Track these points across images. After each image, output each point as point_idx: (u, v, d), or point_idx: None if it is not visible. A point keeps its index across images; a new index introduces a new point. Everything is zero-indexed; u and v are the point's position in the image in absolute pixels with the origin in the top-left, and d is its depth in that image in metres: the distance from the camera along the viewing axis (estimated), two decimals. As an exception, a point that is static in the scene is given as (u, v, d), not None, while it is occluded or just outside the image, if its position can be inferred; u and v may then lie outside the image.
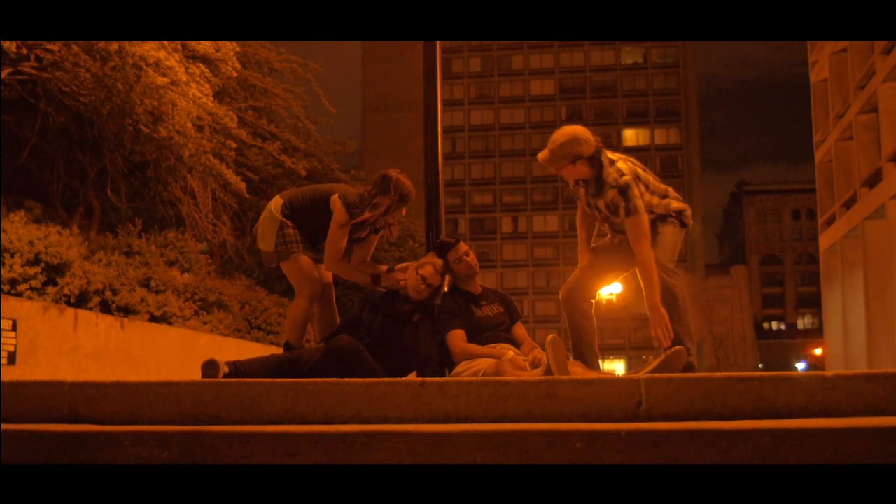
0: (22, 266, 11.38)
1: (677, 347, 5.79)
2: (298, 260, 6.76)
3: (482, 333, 6.58)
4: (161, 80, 14.52)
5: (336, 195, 6.72)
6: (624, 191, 6.08)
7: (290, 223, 6.77)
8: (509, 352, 6.39)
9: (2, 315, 10.33)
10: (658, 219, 6.30)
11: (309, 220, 6.82)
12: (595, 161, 6.17)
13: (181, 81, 14.82)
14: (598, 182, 6.21)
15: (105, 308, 12.54)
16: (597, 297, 6.85)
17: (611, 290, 52.11)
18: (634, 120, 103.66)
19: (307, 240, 6.85)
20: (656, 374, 4.86)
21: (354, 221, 6.69)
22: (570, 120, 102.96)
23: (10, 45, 13.25)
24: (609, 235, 6.66)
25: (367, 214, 6.67)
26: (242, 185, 17.75)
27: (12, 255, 11.40)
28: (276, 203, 6.89)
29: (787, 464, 3.24)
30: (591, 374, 5.60)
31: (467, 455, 3.40)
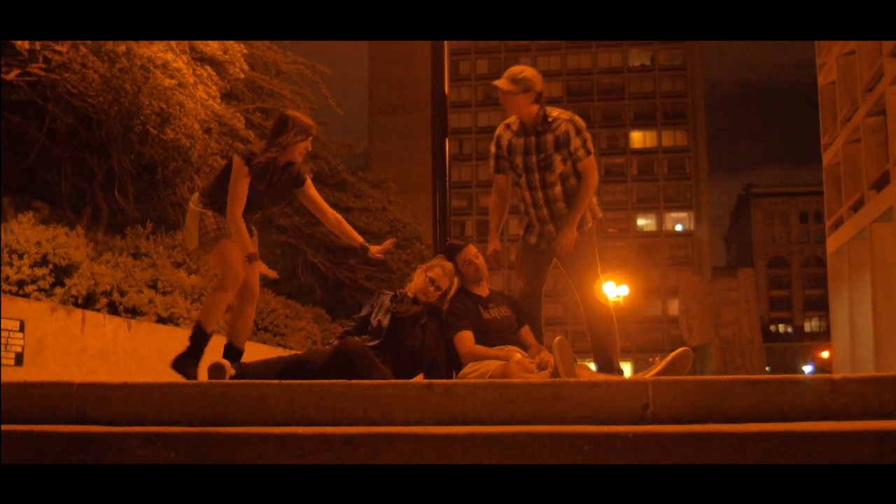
0: (30, 267, 11.40)
1: (683, 349, 5.80)
2: (222, 248, 6.42)
3: (490, 335, 6.58)
4: (169, 82, 14.55)
5: (236, 155, 6.52)
6: (580, 129, 6.60)
7: (209, 212, 6.44)
8: (517, 354, 6.38)
9: (8, 316, 10.36)
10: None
11: (227, 197, 6.53)
12: (540, 102, 6.64)
13: (188, 83, 14.84)
14: (543, 120, 6.60)
15: (112, 309, 12.56)
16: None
17: (617, 293, 52.08)
18: (642, 122, 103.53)
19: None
20: (663, 377, 4.86)
21: (258, 161, 6.37)
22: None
23: (22, 45, 13.27)
24: (520, 242, 6.98)
25: (272, 154, 6.41)
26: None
27: (20, 256, 11.42)
28: (193, 197, 6.66)
29: (794, 464, 3.23)
30: (598, 377, 5.61)
31: (474, 457, 3.40)
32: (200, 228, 6.44)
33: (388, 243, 6.86)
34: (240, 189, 6.30)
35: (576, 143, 6.56)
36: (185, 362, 6.31)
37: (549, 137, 6.59)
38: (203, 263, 17.45)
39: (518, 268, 6.98)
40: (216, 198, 6.45)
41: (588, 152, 6.62)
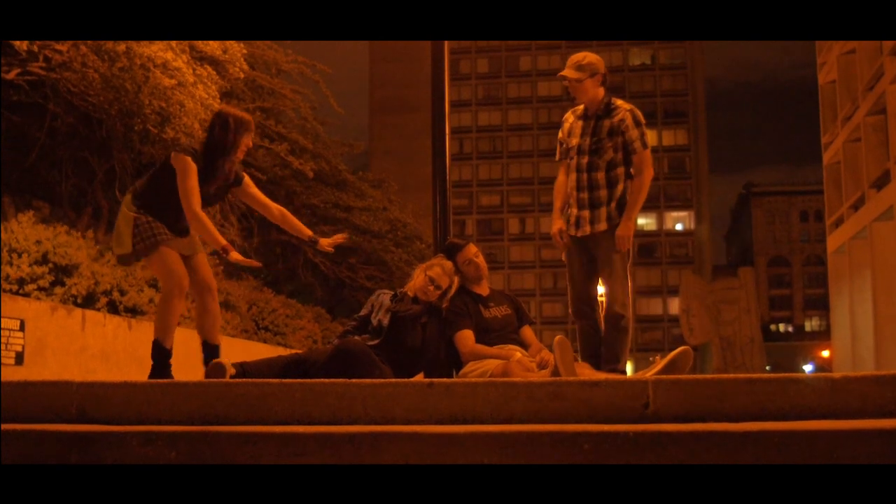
0: (30, 266, 11.40)
1: (684, 348, 5.80)
2: (160, 252, 6.10)
3: (490, 334, 6.58)
4: (169, 82, 14.55)
5: (173, 153, 6.23)
6: (639, 122, 6.66)
7: (144, 216, 6.12)
8: (517, 353, 6.39)
9: (9, 315, 10.35)
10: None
11: (164, 199, 6.19)
12: (605, 86, 6.77)
13: (188, 83, 14.84)
14: (607, 106, 6.71)
15: (113, 308, 12.56)
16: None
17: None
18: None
19: (170, 225, 6.22)
20: (663, 376, 4.86)
21: (219, 167, 6.19)
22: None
23: (21, 45, 13.27)
24: (567, 238, 6.84)
25: (231, 157, 6.22)
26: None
27: (20, 255, 11.42)
28: (126, 200, 6.33)
29: (794, 464, 3.23)
30: (599, 376, 5.61)
31: (475, 456, 3.40)
32: (135, 234, 6.13)
33: (340, 237, 6.70)
34: (193, 185, 6.06)
35: (633, 134, 6.62)
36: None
37: (606, 123, 6.66)
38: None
39: (570, 275, 6.91)
40: (150, 200, 6.19)
41: (644, 146, 6.67)
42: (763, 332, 57.70)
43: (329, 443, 3.49)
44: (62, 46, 14.54)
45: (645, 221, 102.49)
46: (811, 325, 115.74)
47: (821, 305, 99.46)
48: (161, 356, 6.26)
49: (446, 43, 8.59)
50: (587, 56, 6.72)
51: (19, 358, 10.42)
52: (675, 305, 79.97)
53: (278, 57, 22.76)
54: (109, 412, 4.28)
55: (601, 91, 6.72)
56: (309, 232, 6.61)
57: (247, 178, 6.52)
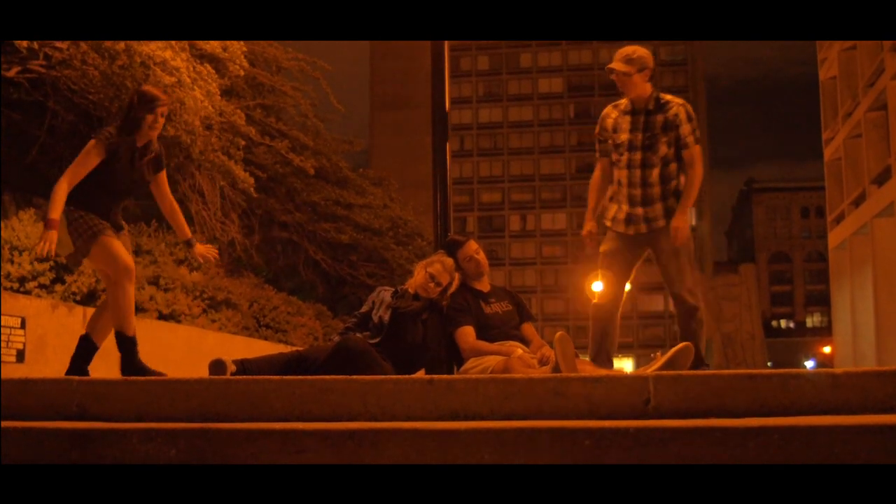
0: (31, 263, 11.41)
1: (685, 344, 5.79)
2: (102, 244, 5.94)
3: (491, 331, 6.58)
4: (169, 80, 14.54)
5: (93, 138, 6.04)
6: (691, 116, 6.54)
7: (77, 211, 5.95)
8: (518, 349, 6.38)
9: (9, 313, 10.36)
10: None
11: (90, 193, 6.02)
12: (653, 81, 6.64)
13: (186, 83, 14.83)
14: (656, 100, 6.56)
15: (114, 306, 12.54)
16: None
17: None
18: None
19: (104, 216, 6.05)
20: (665, 372, 4.85)
21: (113, 142, 5.96)
22: (578, 118, 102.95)
23: (22, 42, 13.27)
24: (616, 233, 6.71)
25: (126, 132, 6.02)
26: (251, 181, 17.76)
27: (21, 253, 11.43)
28: None
29: (795, 463, 3.23)
30: (600, 372, 5.60)
31: (475, 452, 3.39)
32: (72, 233, 5.96)
33: (212, 252, 6.66)
34: (81, 165, 5.92)
35: (686, 128, 6.51)
36: (127, 373, 6.01)
37: (659, 118, 6.53)
38: (204, 260, 17.43)
39: (605, 266, 6.72)
40: (79, 196, 5.98)
41: (697, 141, 6.59)
42: (764, 328, 57.75)
43: (329, 439, 3.49)
44: (62, 44, 14.54)
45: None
46: (812, 321, 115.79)
47: (822, 301, 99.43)
48: (127, 346, 6.20)
49: (446, 41, 8.58)
50: (637, 50, 6.54)
51: (20, 355, 10.43)
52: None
53: (278, 54, 22.74)
54: (110, 409, 4.28)
55: (649, 86, 6.57)
56: (188, 234, 6.54)
57: (164, 173, 6.43)
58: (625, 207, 6.63)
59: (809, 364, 79.68)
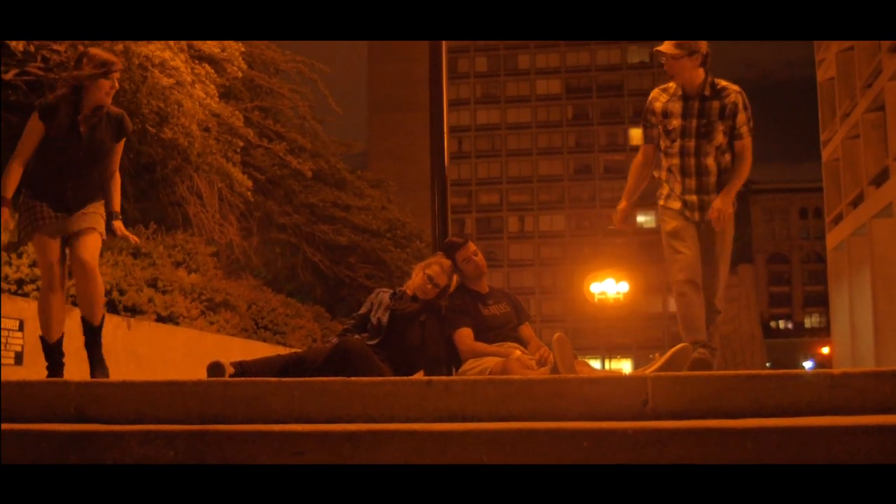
0: (29, 266, 11.39)
1: (683, 345, 5.79)
2: (36, 241, 5.75)
3: (489, 332, 6.58)
4: (167, 81, 14.53)
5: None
6: (747, 105, 6.26)
7: (29, 200, 5.78)
8: (516, 351, 6.38)
9: (8, 315, 10.35)
10: None
11: (41, 172, 5.80)
12: (706, 66, 6.30)
13: (186, 82, 14.82)
14: (711, 86, 6.27)
15: (112, 308, 12.55)
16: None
17: (618, 290, 52.05)
18: (641, 119, 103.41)
19: (55, 200, 5.78)
20: (663, 373, 4.85)
21: (46, 101, 5.73)
22: (576, 119, 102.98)
23: (17, 45, 13.26)
24: (674, 211, 6.43)
25: (61, 91, 5.78)
26: (249, 183, 17.75)
27: (19, 256, 11.42)
28: None
29: (794, 464, 3.23)
30: (598, 373, 5.60)
31: (473, 454, 3.39)
32: (20, 221, 5.80)
33: (132, 237, 6.22)
34: (25, 139, 5.68)
35: (742, 117, 6.26)
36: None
37: (716, 105, 6.26)
38: (203, 263, 17.44)
39: (678, 239, 6.33)
40: (31, 178, 5.79)
41: (751, 131, 6.34)
42: (763, 329, 57.77)
43: (328, 441, 3.49)
44: (60, 47, 14.52)
45: (644, 219, 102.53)
46: (811, 321, 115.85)
47: (820, 302, 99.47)
48: (46, 351, 5.98)
49: (444, 42, 8.58)
50: None
51: (18, 358, 10.41)
52: (674, 303, 79.81)
53: (276, 57, 22.74)
54: (108, 412, 4.27)
55: (701, 71, 6.26)
56: (117, 208, 6.06)
57: (121, 143, 6.04)
58: (678, 192, 6.41)
59: (808, 365, 79.75)
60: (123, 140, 6.03)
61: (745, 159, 6.38)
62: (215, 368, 5.89)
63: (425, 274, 6.63)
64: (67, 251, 5.91)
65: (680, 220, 6.38)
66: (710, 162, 6.33)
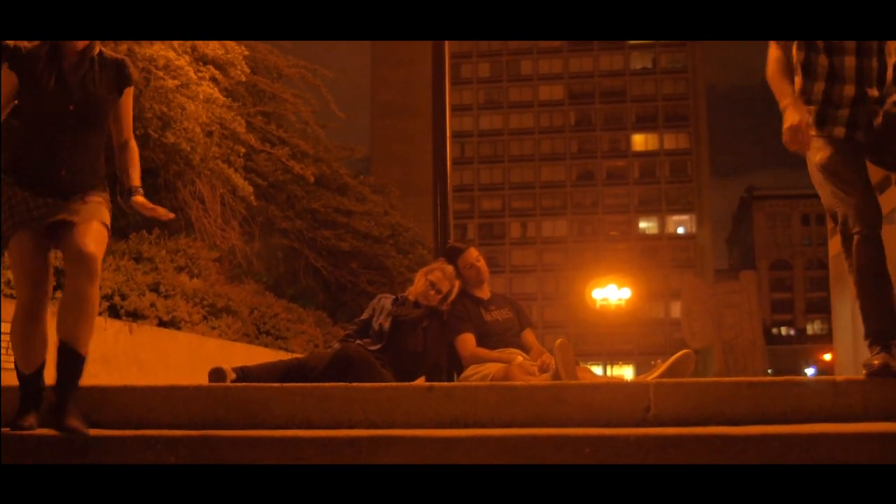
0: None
1: (685, 351, 5.78)
2: (11, 245, 4.29)
3: (491, 338, 6.57)
4: (171, 83, 14.54)
5: None
6: None
7: (6, 194, 4.28)
8: (518, 357, 6.38)
9: (9, 320, 10.34)
10: None
11: (22, 128, 4.44)
12: None
13: (192, 80, 14.82)
14: None
15: (114, 313, 12.55)
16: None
17: (620, 296, 52.03)
18: (643, 125, 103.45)
19: (43, 181, 4.33)
20: (665, 379, 4.85)
21: (15, 45, 4.44)
22: (578, 125, 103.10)
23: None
24: (830, 144, 4.84)
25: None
26: (250, 189, 17.76)
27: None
28: None
29: (793, 464, 3.22)
30: (600, 379, 5.60)
31: (475, 460, 3.39)
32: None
33: (161, 210, 4.65)
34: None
35: None
36: (17, 420, 3.95)
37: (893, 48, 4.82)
38: (205, 268, 17.44)
39: (836, 179, 4.83)
40: (12, 140, 4.41)
41: None
42: (765, 335, 57.66)
43: (329, 447, 3.49)
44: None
45: (647, 225, 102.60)
46: (813, 328, 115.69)
47: (822, 309, 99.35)
48: (21, 386, 4.24)
49: (447, 46, 8.58)
50: None
51: (20, 362, 10.41)
52: (676, 309, 80.00)
53: (279, 61, 22.76)
54: (109, 417, 4.27)
55: None
56: (137, 181, 4.68)
57: (128, 91, 4.69)
58: (841, 114, 4.86)
59: (810, 371, 79.64)
60: (129, 91, 4.67)
61: None
62: (217, 374, 5.88)
63: (427, 280, 6.63)
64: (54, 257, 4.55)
65: (835, 154, 4.92)
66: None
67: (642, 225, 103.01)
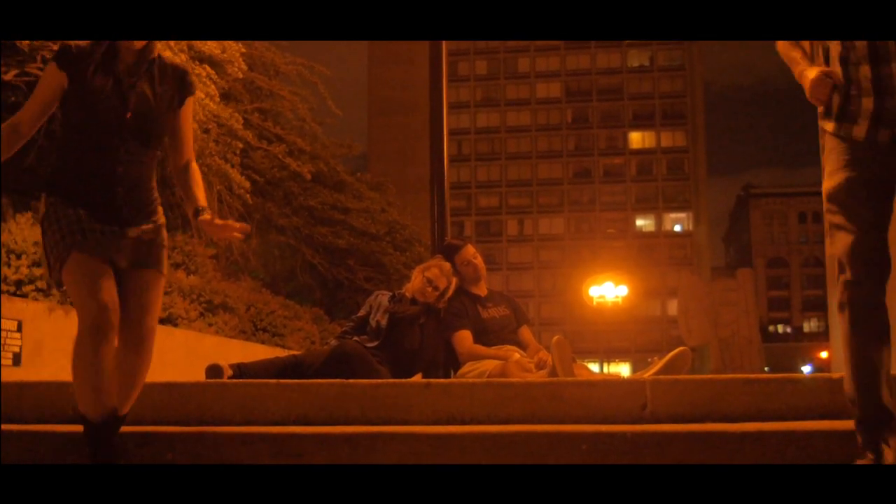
0: (28, 267, 11.39)
1: (682, 348, 5.78)
2: (69, 267, 3.64)
3: (488, 335, 6.58)
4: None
5: None
6: None
7: (54, 214, 3.74)
8: (515, 354, 6.38)
9: (6, 316, 10.35)
10: None
11: (70, 150, 3.90)
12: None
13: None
14: None
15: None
16: None
17: (616, 293, 52.06)
18: (640, 122, 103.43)
19: (97, 208, 3.74)
20: (661, 377, 4.85)
21: (69, 45, 3.97)
22: (575, 123, 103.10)
23: (22, 43, 13.24)
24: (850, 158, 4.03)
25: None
26: (247, 184, 17.74)
27: (18, 257, 11.41)
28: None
29: (792, 464, 3.22)
30: (596, 377, 5.60)
31: (472, 456, 3.39)
32: (46, 245, 3.78)
33: (236, 226, 3.94)
34: (37, 93, 4.01)
35: None
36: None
37: None
38: (201, 265, 17.44)
39: (845, 208, 4.10)
40: (58, 176, 3.88)
41: None
42: (761, 333, 57.67)
43: (326, 443, 3.49)
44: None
45: (643, 223, 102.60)
46: (810, 326, 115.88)
47: (819, 306, 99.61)
48: (89, 432, 3.53)
49: (444, 44, 8.58)
50: None
51: (17, 359, 10.41)
52: (673, 307, 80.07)
53: (276, 59, 22.71)
54: (106, 413, 4.26)
55: None
56: (203, 202, 3.94)
57: (189, 101, 4.20)
58: (866, 112, 4.14)
59: (806, 369, 79.71)
60: (190, 102, 4.17)
61: None
62: (214, 370, 5.88)
63: (424, 277, 6.63)
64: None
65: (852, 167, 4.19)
66: None
67: (639, 222, 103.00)
